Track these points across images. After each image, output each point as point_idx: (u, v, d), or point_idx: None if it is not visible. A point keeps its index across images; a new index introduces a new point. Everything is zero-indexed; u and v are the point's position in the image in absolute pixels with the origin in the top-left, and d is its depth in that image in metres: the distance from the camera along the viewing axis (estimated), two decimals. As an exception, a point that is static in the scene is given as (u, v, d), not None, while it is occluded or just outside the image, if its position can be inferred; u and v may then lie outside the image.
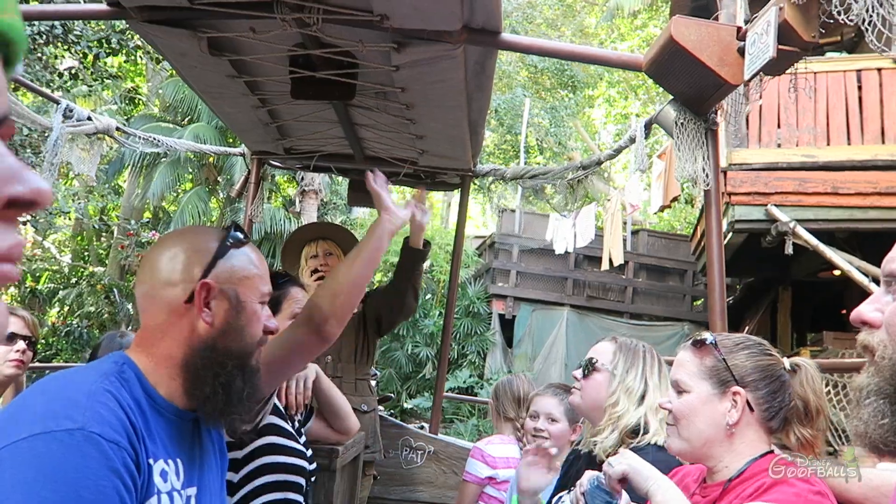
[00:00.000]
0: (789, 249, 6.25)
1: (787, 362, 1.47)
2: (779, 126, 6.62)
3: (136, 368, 1.17)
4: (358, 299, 1.67)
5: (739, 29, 2.07)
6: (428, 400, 11.41)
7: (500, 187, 3.86)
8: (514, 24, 17.70)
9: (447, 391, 8.43)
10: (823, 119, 6.58)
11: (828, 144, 6.57)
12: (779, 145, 6.73)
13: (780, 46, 1.75)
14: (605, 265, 11.06)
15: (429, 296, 13.59)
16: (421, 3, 2.19)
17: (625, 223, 12.42)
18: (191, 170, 13.66)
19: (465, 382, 12.17)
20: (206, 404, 1.18)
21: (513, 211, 13.52)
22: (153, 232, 12.96)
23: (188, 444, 1.22)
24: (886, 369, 0.88)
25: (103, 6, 2.49)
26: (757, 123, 6.77)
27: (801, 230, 6.26)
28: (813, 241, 6.19)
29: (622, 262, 11.28)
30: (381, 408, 3.93)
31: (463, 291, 12.79)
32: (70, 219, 14.75)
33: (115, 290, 12.52)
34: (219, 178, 13.51)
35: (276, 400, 1.93)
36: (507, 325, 12.94)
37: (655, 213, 13.16)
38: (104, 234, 15.18)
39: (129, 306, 12.23)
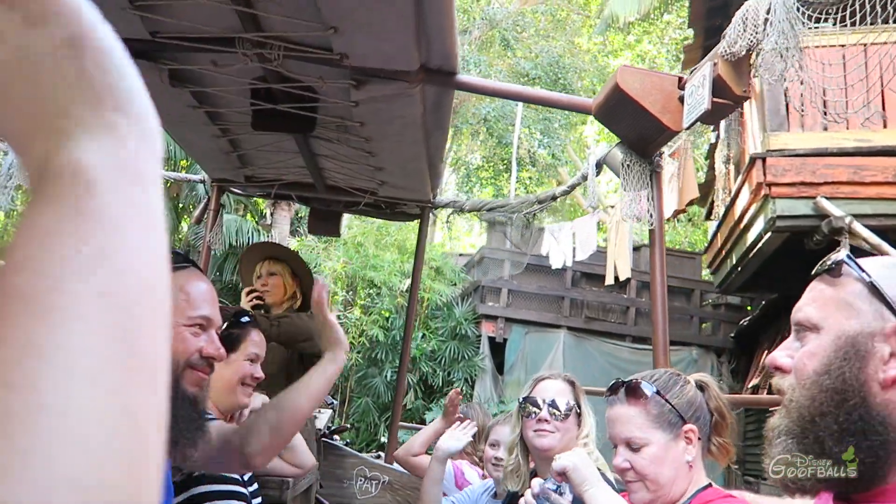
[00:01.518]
0: (845, 250, 5.00)
1: (693, 382, 1.56)
2: (824, 106, 5.07)
3: None
4: (293, 435, 1.67)
5: (681, 79, 2.19)
6: (411, 433, 10.29)
7: (459, 218, 3.92)
8: (504, 34, 16.90)
9: (429, 421, 7.69)
10: (878, 97, 5.36)
11: (884, 127, 5.40)
12: (825, 128, 5.55)
13: (714, 99, 1.86)
14: (609, 279, 9.87)
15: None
16: (379, 44, 2.27)
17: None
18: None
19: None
20: (178, 433, 1.20)
21: (503, 223, 12.19)
22: None
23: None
24: (794, 411, 0.95)
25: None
26: (798, 103, 5.43)
27: (858, 227, 5.02)
28: (874, 239, 4.92)
29: (629, 277, 10.05)
30: (336, 437, 3.92)
31: (449, 312, 11.96)
32: None
33: None
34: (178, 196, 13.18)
35: None
36: (498, 349, 11.83)
37: (667, 220, 11.91)
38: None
39: None
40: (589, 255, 5.83)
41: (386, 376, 11.39)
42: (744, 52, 1.77)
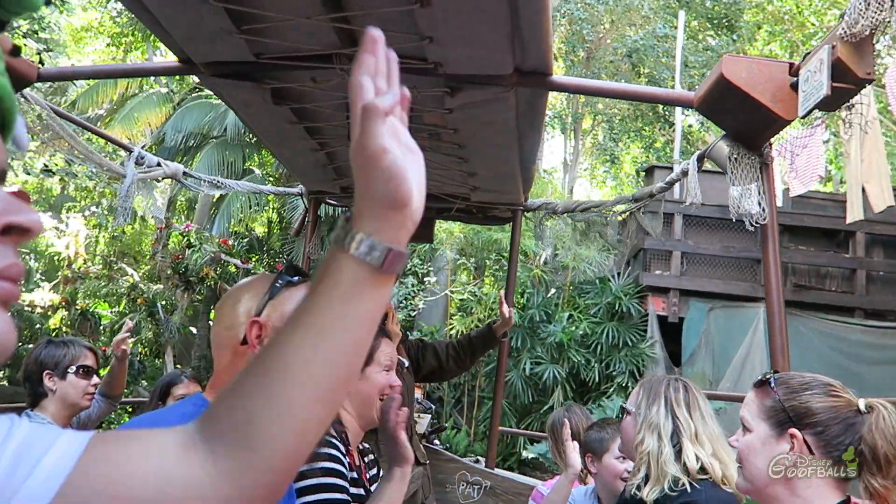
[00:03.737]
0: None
1: (861, 403, 1.39)
2: None
3: None
4: None
5: (791, 65, 2.08)
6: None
7: (553, 221, 3.88)
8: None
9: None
10: None
11: None
12: None
13: (835, 84, 1.75)
14: (854, 214, 6.11)
15: (553, 291, 9.88)
16: (474, 51, 2.27)
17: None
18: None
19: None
20: None
21: (668, 168, 8.91)
22: (187, 223, 11.23)
23: None
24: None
25: (175, 63, 2.65)
26: None
27: None
28: None
29: (892, 204, 5.91)
30: (437, 441, 3.95)
31: (602, 285, 9.40)
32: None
33: (158, 304, 11.10)
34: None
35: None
36: (672, 331, 8.87)
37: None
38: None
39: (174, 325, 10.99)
40: (813, 185, 4.12)
41: (524, 370, 8.93)
42: (867, 33, 1.66)
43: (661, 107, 13.96)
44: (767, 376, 1.49)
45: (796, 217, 8.56)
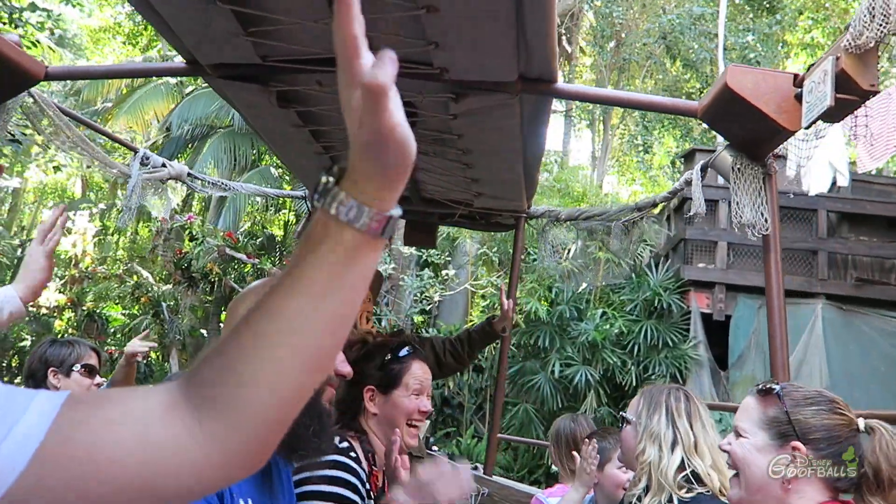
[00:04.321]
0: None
1: (861, 423, 1.40)
2: None
3: None
4: None
5: (796, 76, 2.08)
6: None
7: (556, 228, 3.89)
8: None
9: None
10: None
11: None
12: None
13: (838, 95, 1.76)
14: None
15: (583, 286, 9.07)
16: (480, 57, 2.28)
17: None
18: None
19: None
20: (300, 441, 1.25)
21: (710, 150, 7.17)
22: (189, 215, 10.81)
23: (263, 482, 1.29)
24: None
25: (181, 64, 2.67)
26: None
27: None
28: None
29: None
30: (435, 448, 3.94)
31: (639, 280, 8.56)
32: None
33: (162, 304, 10.70)
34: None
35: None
36: (717, 330, 8.01)
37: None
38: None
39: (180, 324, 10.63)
40: (882, 159, 3.73)
41: (553, 372, 8.10)
42: (871, 45, 1.66)
43: (692, 89, 13.18)
44: (771, 385, 1.48)
45: (857, 204, 7.67)
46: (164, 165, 3.59)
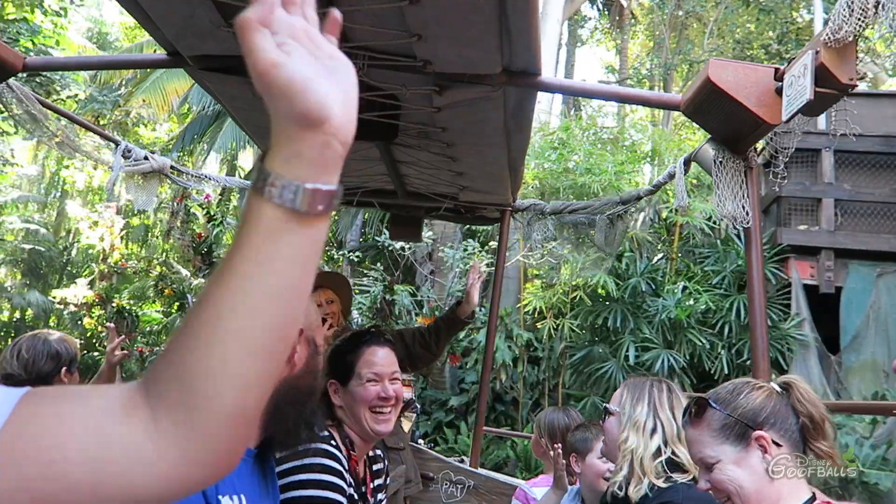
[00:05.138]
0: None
1: (775, 385, 1.46)
2: None
3: None
4: None
5: (777, 70, 2.10)
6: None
7: (541, 221, 3.89)
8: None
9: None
10: None
11: None
12: None
13: (818, 89, 1.77)
14: None
15: (659, 256, 8.04)
16: (463, 50, 2.28)
17: None
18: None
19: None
20: (287, 436, 1.28)
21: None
22: (207, 194, 9.88)
23: (249, 479, 1.28)
24: None
25: (163, 56, 2.64)
26: None
27: None
28: None
29: None
30: (421, 441, 3.95)
31: (726, 247, 7.26)
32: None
33: (188, 296, 9.94)
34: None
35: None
36: (826, 305, 6.70)
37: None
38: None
39: None
40: None
41: (627, 358, 6.84)
42: (850, 39, 1.68)
43: (777, 42, 11.15)
44: (699, 401, 1.48)
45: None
46: (146, 158, 3.56)
